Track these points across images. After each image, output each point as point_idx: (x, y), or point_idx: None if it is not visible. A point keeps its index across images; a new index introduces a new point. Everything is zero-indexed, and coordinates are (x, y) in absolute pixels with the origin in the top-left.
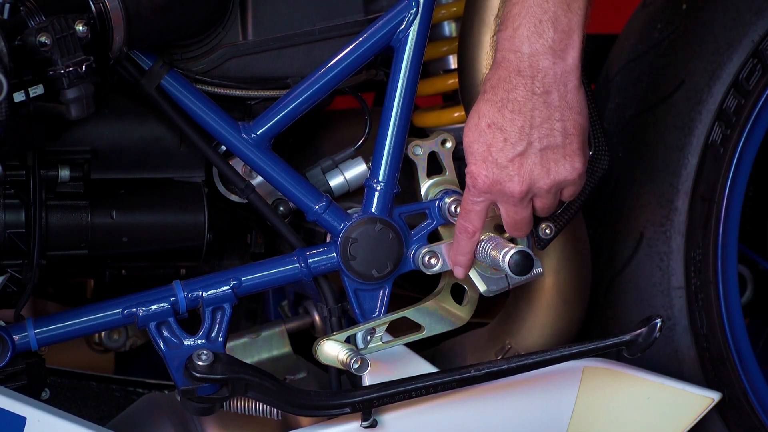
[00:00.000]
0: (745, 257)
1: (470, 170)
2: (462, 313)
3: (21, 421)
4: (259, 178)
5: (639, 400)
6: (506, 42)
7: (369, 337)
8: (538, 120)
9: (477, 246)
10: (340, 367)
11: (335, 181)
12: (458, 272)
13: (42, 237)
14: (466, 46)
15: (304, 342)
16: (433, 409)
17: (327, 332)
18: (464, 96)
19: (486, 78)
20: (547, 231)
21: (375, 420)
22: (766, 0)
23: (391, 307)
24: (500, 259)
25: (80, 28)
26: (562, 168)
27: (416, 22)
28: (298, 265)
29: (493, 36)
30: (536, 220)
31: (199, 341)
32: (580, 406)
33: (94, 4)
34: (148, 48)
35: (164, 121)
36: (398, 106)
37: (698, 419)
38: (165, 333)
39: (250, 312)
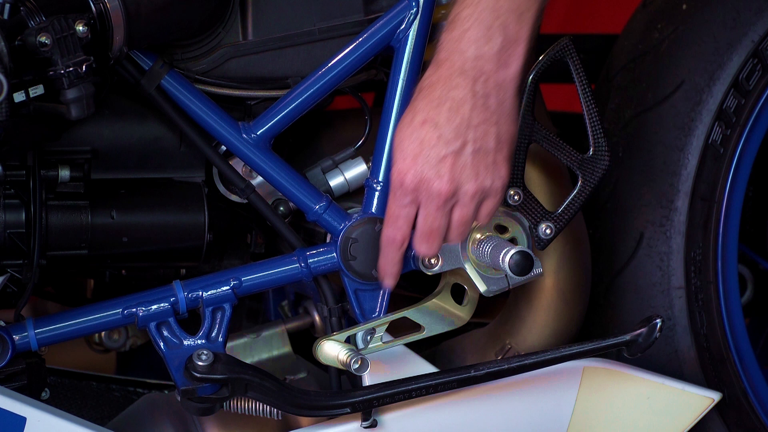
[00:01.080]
0: (745, 257)
1: (398, 168)
2: (462, 313)
3: (21, 421)
4: (259, 178)
5: (639, 400)
6: (452, 43)
7: (369, 337)
8: (475, 121)
9: (475, 246)
10: (340, 367)
11: (335, 181)
12: (388, 283)
13: (42, 237)
14: None
15: (304, 342)
16: (433, 409)
17: (327, 332)
18: None
19: (424, 77)
20: (547, 231)
21: (375, 420)
22: (766, 0)
23: (391, 307)
24: (500, 259)
25: (80, 28)
26: (490, 174)
27: (416, 22)
28: (298, 265)
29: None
30: (536, 220)
31: (199, 341)
32: (580, 406)
33: (94, 4)
34: (148, 48)
35: (164, 121)
36: (398, 106)
37: (698, 419)
38: (165, 333)
39: (252, 312)
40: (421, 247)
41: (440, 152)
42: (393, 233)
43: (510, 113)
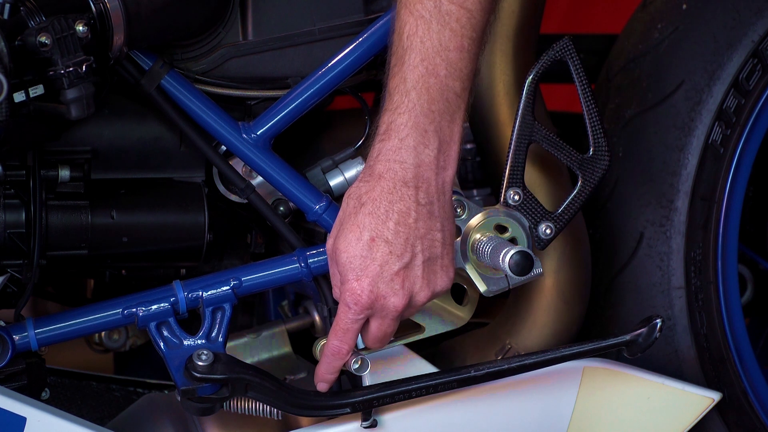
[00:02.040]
0: (745, 257)
1: (351, 287)
2: (462, 313)
3: (21, 421)
4: (259, 178)
5: (639, 400)
6: (391, 153)
7: None
8: (422, 231)
9: (475, 246)
10: None
11: (335, 181)
12: (322, 387)
13: (42, 237)
14: None
15: (304, 342)
16: (433, 409)
17: (327, 332)
18: None
19: (361, 191)
20: (547, 231)
21: (375, 420)
22: (766, 0)
23: None
24: (500, 259)
25: (80, 28)
26: (440, 279)
27: None
28: (298, 265)
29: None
30: (536, 220)
31: (199, 341)
32: (580, 406)
33: (94, 4)
34: (148, 48)
35: (164, 121)
36: None
37: (698, 419)
38: (165, 333)
39: (247, 306)
40: (374, 346)
41: (393, 268)
42: (340, 346)
43: (450, 215)
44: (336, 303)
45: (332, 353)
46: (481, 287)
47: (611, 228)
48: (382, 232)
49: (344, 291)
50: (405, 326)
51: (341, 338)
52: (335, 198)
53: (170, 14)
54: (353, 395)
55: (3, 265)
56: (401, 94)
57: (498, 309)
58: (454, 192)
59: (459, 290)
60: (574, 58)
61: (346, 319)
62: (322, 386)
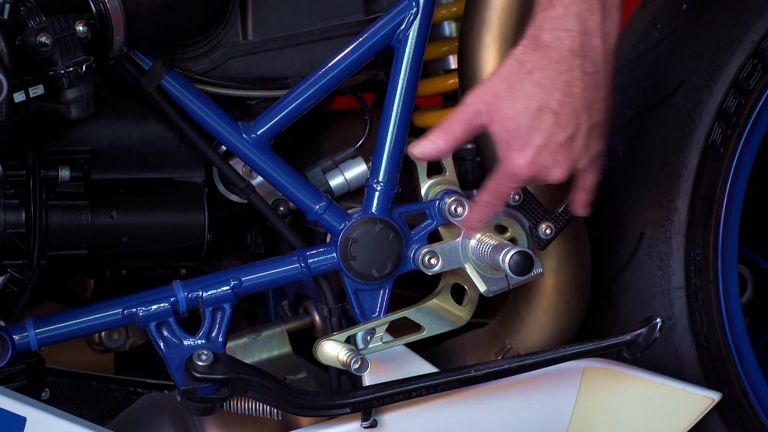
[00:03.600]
0: (745, 257)
1: (513, 158)
2: (462, 313)
3: (21, 421)
4: (259, 178)
5: (639, 400)
6: (556, 21)
7: (369, 337)
8: (588, 101)
9: (475, 246)
10: (340, 367)
11: (335, 181)
12: (471, 234)
13: (42, 237)
14: (466, 46)
15: (304, 342)
16: (433, 409)
17: (327, 332)
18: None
19: (526, 57)
20: (547, 231)
21: (375, 420)
22: (766, 0)
23: (391, 307)
24: (500, 259)
25: (80, 28)
26: (597, 144)
27: (416, 22)
28: (298, 265)
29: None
30: (536, 220)
31: (199, 341)
32: (580, 407)
33: (94, 4)
34: (149, 48)
35: (164, 121)
36: (398, 106)
37: (698, 419)
38: (165, 333)
39: (250, 314)
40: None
41: (558, 139)
42: (493, 201)
43: (612, 84)
44: (337, 303)
45: (484, 204)
46: (481, 287)
47: (611, 228)
48: (549, 102)
49: (507, 158)
50: (405, 326)
51: (495, 197)
52: (335, 198)
53: (170, 14)
54: (353, 395)
55: (3, 265)
56: None
57: (498, 309)
58: (454, 192)
59: (459, 290)
60: None
61: (504, 185)
62: (470, 233)
